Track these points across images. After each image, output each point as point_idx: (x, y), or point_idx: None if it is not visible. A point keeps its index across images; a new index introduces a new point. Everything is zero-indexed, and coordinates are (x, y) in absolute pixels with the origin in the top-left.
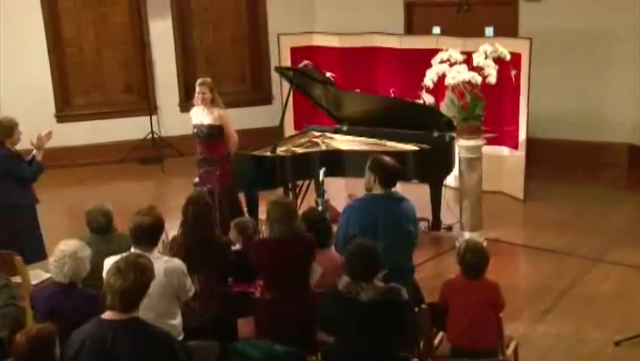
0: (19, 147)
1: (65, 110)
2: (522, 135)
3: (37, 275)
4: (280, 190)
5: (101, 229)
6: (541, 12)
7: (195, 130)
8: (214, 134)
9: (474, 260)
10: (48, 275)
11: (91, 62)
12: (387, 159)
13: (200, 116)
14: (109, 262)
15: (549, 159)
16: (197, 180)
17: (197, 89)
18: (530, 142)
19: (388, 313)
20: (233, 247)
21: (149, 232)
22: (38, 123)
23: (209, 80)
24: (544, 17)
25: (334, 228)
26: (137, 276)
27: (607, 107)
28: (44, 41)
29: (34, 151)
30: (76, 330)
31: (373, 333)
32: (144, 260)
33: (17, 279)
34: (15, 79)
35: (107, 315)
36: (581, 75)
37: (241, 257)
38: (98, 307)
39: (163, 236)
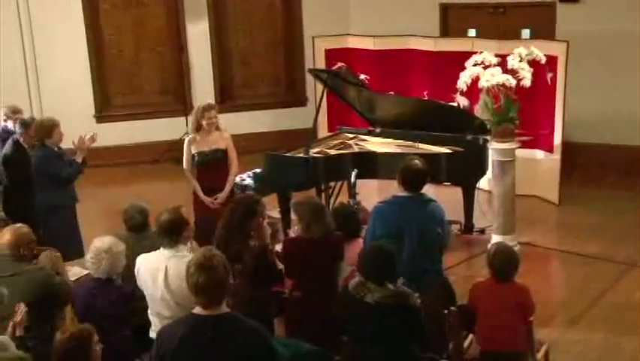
0: (65, 146)
1: (104, 111)
2: (557, 139)
3: (75, 272)
4: (313, 191)
5: (137, 227)
6: (579, 14)
7: (208, 157)
8: (225, 158)
9: (503, 263)
10: (86, 272)
11: (129, 64)
12: (414, 162)
13: (209, 142)
14: (140, 260)
15: (585, 163)
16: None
17: (207, 114)
18: (566, 146)
19: (394, 317)
20: None
21: (168, 229)
22: (78, 124)
23: (214, 102)
24: (582, 20)
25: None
26: (222, 269)
27: None
28: (85, 44)
29: (77, 152)
30: (167, 326)
31: (380, 337)
32: (219, 253)
33: None
34: (56, 80)
35: (200, 311)
36: (618, 78)
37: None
38: (134, 303)
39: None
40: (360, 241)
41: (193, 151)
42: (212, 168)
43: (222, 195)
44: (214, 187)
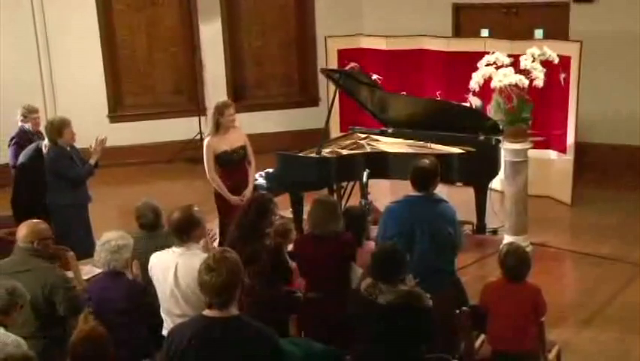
0: (79, 146)
1: (117, 111)
2: (570, 139)
3: (88, 271)
4: (325, 191)
5: (148, 225)
6: (592, 14)
7: (233, 156)
8: (245, 155)
9: (515, 264)
10: (98, 271)
11: (142, 64)
12: (423, 161)
13: (230, 140)
14: (153, 258)
15: (598, 164)
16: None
17: (227, 111)
18: (579, 146)
19: (406, 318)
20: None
21: (179, 228)
22: (92, 124)
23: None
24: (596, 20)
25: (373, 229)
26: (232, 271)
27: None
28: (99, 44)
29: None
30: (178, 326)
31: (391, 337)
32: (232, 255)
33: (70, 274)
34: (70, 81)
35: (209, 312)
36: (631, 79)
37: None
38: (146, 298)
39: (202, 241)
40: (366, 248)
41: (216, 152)
42: (236, 166)
43: (249, 190)
44: (238, 186)
